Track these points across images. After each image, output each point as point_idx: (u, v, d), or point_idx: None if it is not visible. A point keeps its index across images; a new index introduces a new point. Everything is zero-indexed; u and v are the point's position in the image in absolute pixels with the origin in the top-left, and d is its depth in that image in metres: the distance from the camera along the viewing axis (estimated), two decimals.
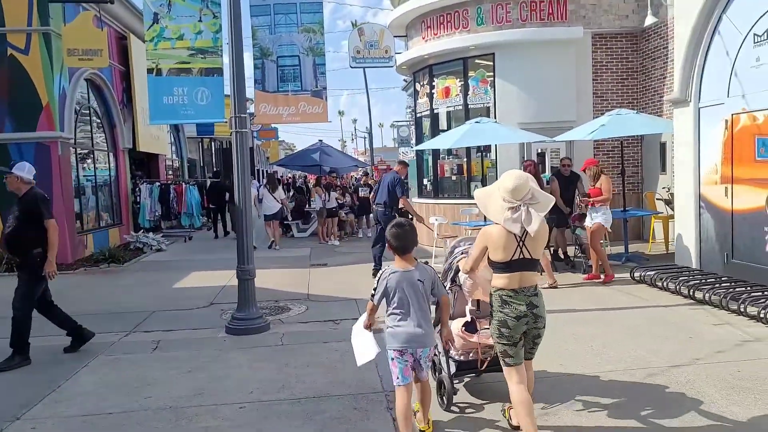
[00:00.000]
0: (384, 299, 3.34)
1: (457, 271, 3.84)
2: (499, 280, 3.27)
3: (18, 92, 10.53)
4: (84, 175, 12.47)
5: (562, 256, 8.93)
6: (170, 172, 20.31)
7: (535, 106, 10.79)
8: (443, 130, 11.80)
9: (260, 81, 6.00)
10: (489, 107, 11.10)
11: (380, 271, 3.44)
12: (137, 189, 14.68)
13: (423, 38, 11.97)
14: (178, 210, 14.83)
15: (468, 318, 3.88)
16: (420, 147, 10.00)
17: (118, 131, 13.96)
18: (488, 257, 3.33)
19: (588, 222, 7.74)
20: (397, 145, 34.74)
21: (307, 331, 6.02)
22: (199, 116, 5.76)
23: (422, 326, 3.28)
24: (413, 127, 13.04)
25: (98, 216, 12.87)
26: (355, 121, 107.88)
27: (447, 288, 3.82)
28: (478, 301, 3.90)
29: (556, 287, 7.48)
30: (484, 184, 11.19)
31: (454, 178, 11.81)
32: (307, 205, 16.28)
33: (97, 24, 11.27)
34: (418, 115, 13.00)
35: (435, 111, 12.03)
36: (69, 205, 11.09)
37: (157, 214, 14.65)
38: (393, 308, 3.31)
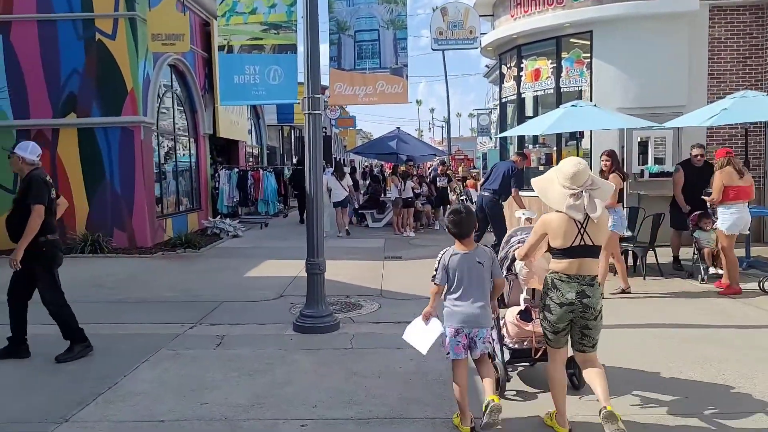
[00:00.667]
0: (446, 279, 3.38)
1: (513, 259, 3.87)
2: (557, 264, 3.27)
3: (105, 77, 10.72)
4: (165, 160, 12.65)
5: (676, 262, 7.88)
6: (250, 159, 20.57)
7: (638, 90, 9.62)
8: (529, 117, 10.89)
9: (336, 58, 5.50)
10: (584, 90, 10.05)
11: (440, 252, 3.48)
12: (216, 175, 14.80)
13: (512, 16, 11.05)
14: (255, 196, 14.82)
15: (523, 306, 3.95)
16: (509, 133, 9.17)
17: (199, 117, 14.09)
18: (548, 244, 3.34)
19: (719, 224, 6.63)
20: (476, 135, 33.58)
21: (379, 333, 5.49)
22: (271, 96, 5.34)
23: (480, 307, 3.34)
24: (497, 113, 12.15)
25: (178, 201, 13.04)
26: (432, 110, 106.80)
27: (504, 276, 3.77)
28: (533, 290, 3.91)
29: (628, 293, 6.57)
30: None
31: (541, 168, 10.86)
32: (382, 195, 15.83)
33: (181, 9, 11.25)
34: (503, 100, 12.10)
35: (522, 95, 11.10)
36: (150, 189, 11.23)
37: (235, 200, 14.73)
38: (452, 288, 3.37)
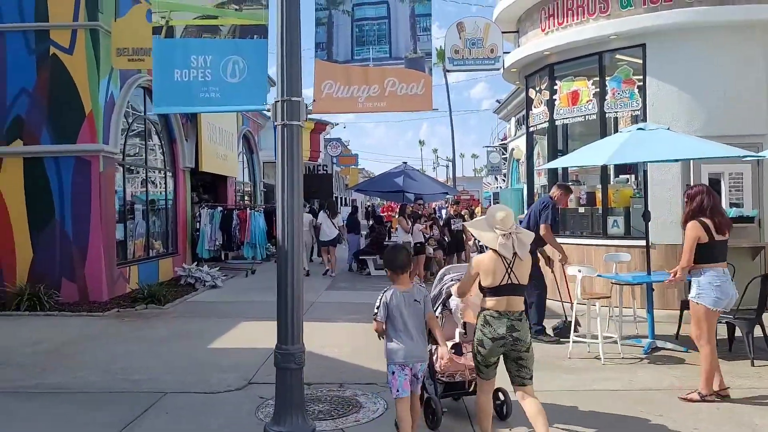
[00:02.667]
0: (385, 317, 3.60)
1: (449, 296, 4.15)
2: (489, 302, 3.59)
3: (59, 98, 9.00)
4: (133, 197, 10.81)
5: None
6: (246, 198, 18.77)
7: (704, 116, 7.81)
8: (561, 153, 9.07)
9: (324, 45, 3.65)
10: (636, 115, 8.25)
11: (382, 292, 3.66)
12: (198, 214, 12.94)
13: (542, 30, 9.37)
14: (241, 239, 12.91)
15: (457, 340, 4.14)
16: (557, 164, 7.22)
17: (178, 148, 12.34)
18: (479, 284, 3.65)
19: None
20: (485, 173, 31.87)
21: None
22: (228, 100, 3.49)
23: (420, 343, 3.61)
24: (518, 146, 10.35)
25: (148, 244, 11.11)
26: (435, 150, 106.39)
27: (438, 312, 4.12)
28: (465, 323, 4.11)
29: (724, 395, 4.56)
30: (627, 217, 8.29)
31: (582, 210, 8.96)
32: (387, 238, 13.91)
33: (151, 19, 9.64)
34: (531, 129, 10.32)
35: (556, 122, 9.32)
36: (108, 231, 9.32)
37: (217, 243, 12.81)
38: (394, 326, 3.58)
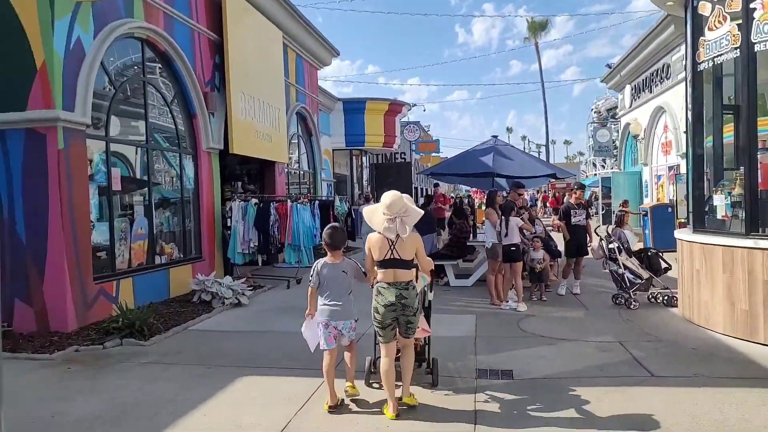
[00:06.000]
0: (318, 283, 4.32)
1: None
2: (380, 274, 4.17)
3: (2, 48, 6.44)
4: (132, 185, 8.17)
5: None
6: (308, 190, 16.04)
7: None
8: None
9: None
10: None
11: (315, 262, 4.40)
12: (228, 209, 10.20)
13: None
14: (281, 239, 10.02)
15: None
16: None
17: (199, 124, 9.63)
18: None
19: None
20: (590, 155, 27.28)
21: None
22: None
23: (343, 305, 4.27)
24: (688, 91, 6.57)
25: (152, 248, 8.44)
26: (524, 137, 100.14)
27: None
28: None
29: None
30: None
31: None
32: (470, 237, 10.51)
33: None
34: (702, 66, 6.50)
35: (756, 46, 5.50)
36: (78, 233, 6.68)
37: (253, 244, 10.00)
38: (323, 291, 4.30)
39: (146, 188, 8.36)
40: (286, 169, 13.93)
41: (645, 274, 8.09)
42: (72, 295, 6.53)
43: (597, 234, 8.47)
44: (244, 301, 8.27)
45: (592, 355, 5.54)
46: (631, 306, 7.74)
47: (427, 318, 4.74)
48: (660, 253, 8.43)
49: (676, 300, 7.76)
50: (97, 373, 5.22)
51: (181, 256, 9.17)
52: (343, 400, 4.28)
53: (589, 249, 8.65)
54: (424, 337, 4.70)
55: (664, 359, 5.34)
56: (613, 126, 22.56)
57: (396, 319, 4.08)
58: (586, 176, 34.00)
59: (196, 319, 7.32)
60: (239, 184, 13.61)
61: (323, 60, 16.25)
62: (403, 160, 31.87)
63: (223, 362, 5.49)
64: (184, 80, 9.12)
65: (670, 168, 15.59)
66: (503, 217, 8.13)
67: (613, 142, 22.07)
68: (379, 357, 4.36)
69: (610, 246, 8.14)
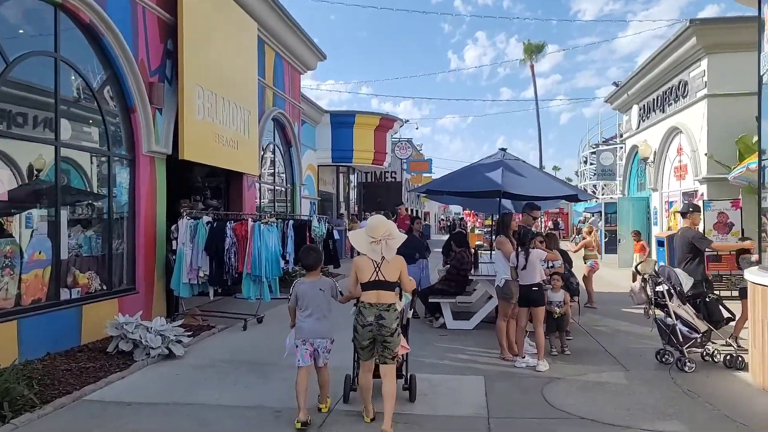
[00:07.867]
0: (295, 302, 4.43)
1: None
2: (363, 295, 4.25)
3: None
4: (24, 196, 6.16)
5: None
6: (284, 208, 14.09)
7: None
8: None
9: None
10: None
11: (294, 282, 4.53)
12: (173, 229, 8.18)
13: None
14: (238, 267, 7.99)
15: None
16: None
17: (138, 120, 7.68)
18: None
19: None
20: (587, 179, 25.61)
21: None
22: None
23: (321, 323, 4.37)
24: (763, 104, 4.61)
25: (56, 278, 6.37)
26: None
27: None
28: None
29: None
30: None
31: None
32: (471, 269, 8.56)
33: None
34: None
35: None
36: None
37: (203, 273, 7.96)
38: (301, 309, 4.40)
39: (53, 199, 6.34)
40: (257, 183, 11.98)
41: (702, 327, 6.22)
42: None
43: (638, 272, 6.59)
44: (178, 351, 6.24)
45: None
46: (686, 368, 5.87)
47: (405, 334, 4.71)
48: (720, 299, 6.58)
49: (742, 360, 5.93)
50: None
51: (103, 287, 7.11)
52: (310, 419, 4.25)
53: (629, 293, 6.76)
54: (403, 354, 4.73)
55: None
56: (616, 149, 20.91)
57: (373, 339, 4.19)
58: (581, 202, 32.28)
59: (101, 381, 5.28)
60: (200, 198, 11.66)
61: (307, 63, 14.44)
62: (393, 180, 30.14)
63: None
64: (118, 63, 7.21)
65: (684, 194, 13.84)
66: (520, 248, 6.24)
67: (618, 165, 20.39)
68: (358, 373, 4.52)
69: (658, 288, 6.26)
